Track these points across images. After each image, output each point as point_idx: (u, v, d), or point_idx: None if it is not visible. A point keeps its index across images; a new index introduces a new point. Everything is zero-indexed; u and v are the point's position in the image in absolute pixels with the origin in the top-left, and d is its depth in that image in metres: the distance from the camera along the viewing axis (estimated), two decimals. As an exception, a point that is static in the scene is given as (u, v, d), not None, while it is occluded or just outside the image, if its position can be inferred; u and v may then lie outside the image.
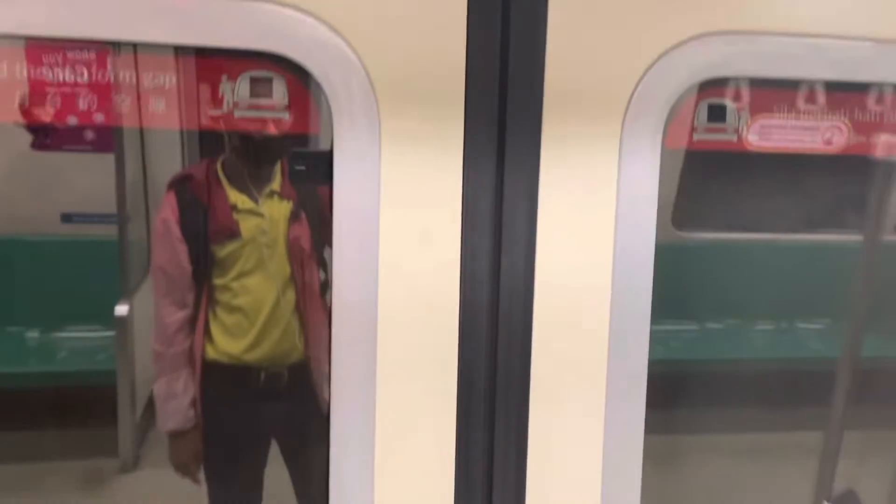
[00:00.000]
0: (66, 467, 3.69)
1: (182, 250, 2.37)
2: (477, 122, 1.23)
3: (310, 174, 2.13)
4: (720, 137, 1.47)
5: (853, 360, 2.19)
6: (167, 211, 2.38)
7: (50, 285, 3.83)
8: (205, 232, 2.39)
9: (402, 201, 1.24)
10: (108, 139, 3.72)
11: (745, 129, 1.45)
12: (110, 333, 3.67)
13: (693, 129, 1.47)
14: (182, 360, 2.40)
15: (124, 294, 3.70)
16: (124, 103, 1.46)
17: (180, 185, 2.43)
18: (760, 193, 4.13)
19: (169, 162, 4.13)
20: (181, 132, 4.11)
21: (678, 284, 4.18)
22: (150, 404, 4.01)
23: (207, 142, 4.23)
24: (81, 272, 3.85)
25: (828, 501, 2.28)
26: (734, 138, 1.45)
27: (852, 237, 2.44)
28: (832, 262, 2.95)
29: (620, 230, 1.29)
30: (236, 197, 2.41)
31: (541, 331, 1.29)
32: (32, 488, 3.55)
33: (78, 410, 3.75)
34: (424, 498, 1.29)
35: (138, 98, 1.46)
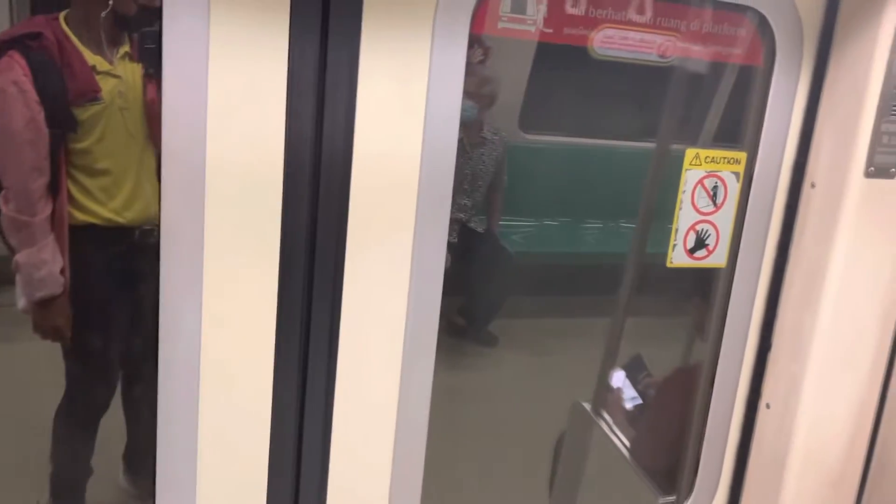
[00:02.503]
0: None
1: (39, 112, 2.24)
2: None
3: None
4: (521, 27, 1.61)
5: (638, 256, 2.53)
6: (17, 72, 2.22)
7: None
8: (63, 94, 2.28)
9: (231, 67, 1.34)
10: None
11: (541, 20, 1.60)
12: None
13: (499, 18, 1.59)
14: (48, 227, 2.33)
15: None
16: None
17: (25, 44, 2.26)
18: (600, 101, 4.39)
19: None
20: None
21: (522, 183, 4.45)
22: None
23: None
24: None
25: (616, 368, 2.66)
26: (532, 28, 1.60)
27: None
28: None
29: (430, 109, 1.47)
30: (93, 58, 2.33)
31: (357, 194, 1.45)
32: None
33: None
34: (249, 336, 1.44)
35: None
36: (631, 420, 2.60)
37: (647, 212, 2.51)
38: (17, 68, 2.22)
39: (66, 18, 2.32)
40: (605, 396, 2.69)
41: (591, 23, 1.67)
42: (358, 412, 1.53)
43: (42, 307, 2.41)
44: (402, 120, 1.44)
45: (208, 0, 1.27)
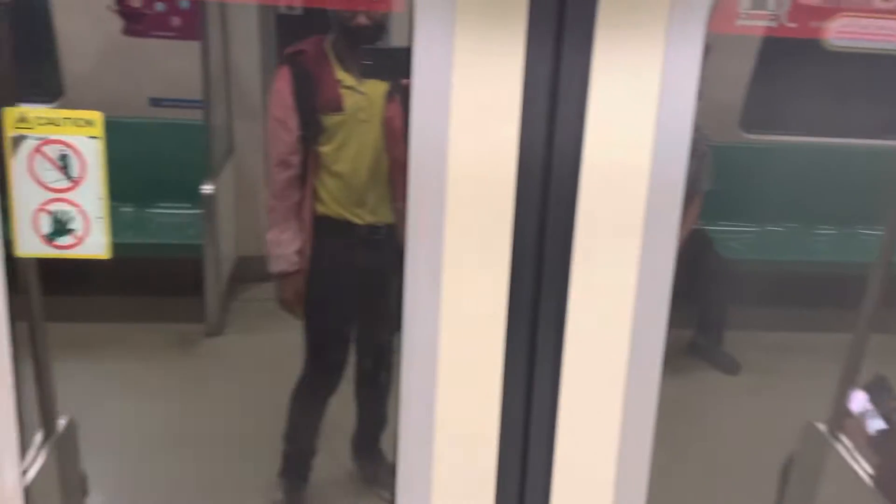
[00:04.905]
0: (159, 329, 3.92)
1: (290, 118, 2.61)
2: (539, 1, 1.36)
3: (378, 69, 2.34)
4: (761, 24, 1.53)
5: (886, 266, 2.28)
6: (281, 82, 2.64)
7: (140, 165, 4.07)
8: (312, 102, 2.61)
9: (471, 72, 1.38)
10: (194, 26, 3.91)
11: (784, 15, 1.50)
12: (197, 211, 3.94)
13: (737, 15, 1.53)
14: (289, 214, 2.69)
15: (209, 174, 3.98)
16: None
17: (294, 59, 2.66)
18: (833, 97, 4.05)
19: (246, 50, 4.32)
20: (259, 22, 4.27)
21: (743, 186, 4.20)
22: (234, 276, 4.38)
23: (283, 31, 4.39)
24: (169, 153, 4.11)
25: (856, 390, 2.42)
26: (774, 24, 1.51)
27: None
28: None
29: (662, 109, 1.42)
30: (342, 74, 2.63)
31: (586, 198, 1.44)
32: (131, 345, 3.96)
33: (168, 280, 4.11)
34: (480, 336, 1.49)
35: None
36: (877, 446, 2.35)
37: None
38: (283, 79, 2.63)
39: (331, 40, 2.66)
40: (844, 418, 2.46)
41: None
42: (583, 417, 1.53)
43: (279, 280, 2.77)
44: (633, 124, 1.42)
45: (454, 14, 1.34)
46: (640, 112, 1.42)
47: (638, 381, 1.53)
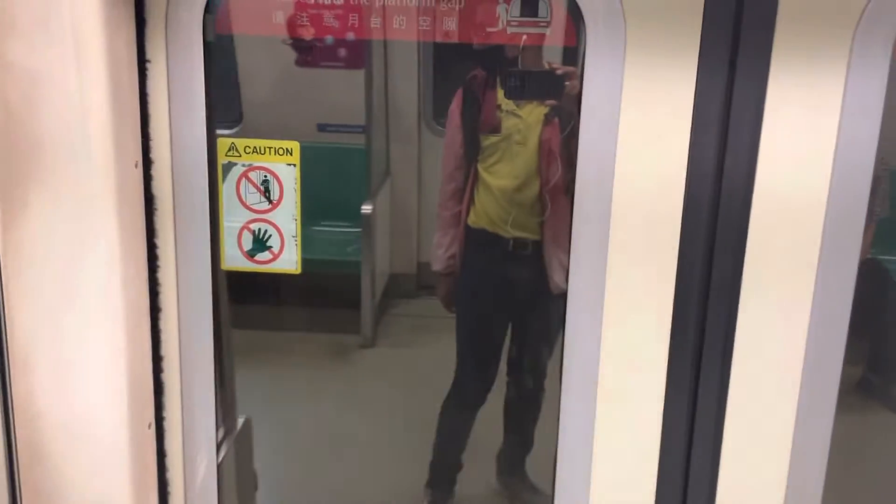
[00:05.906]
0: (315, 339, 4.16)
1: (457, 136, 2.87)
2: (712, 27, 1.34)
3: (522, 90, 2.41)
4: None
5: None
6: (455, 103, 2.89)
7: (306, 186, 4.34)
8: (474, 123, 2.83)
9: (640, 102, 1.40)
10: (359, 56, 4.16)
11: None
12: (356, 229, 4.19)
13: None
14: (451, 222, 2.97)
15: (369, 195, 4.20)
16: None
17: (467, 82, 2.86)
18: None
19: (406, 79, 4.53)
20: (417, 52, 4.46)
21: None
22: (386, 292, 4.58)
23: (440, 60, 4.55)
24: (332, 175, 4.37)
25: None
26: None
27: None
28: None
29: (842, 142, 1.37)
30: (502, 98, 2.80)
31: (756, 231, 1.42)
32: (288, 352, 4.06)
33: (326, 293, 4.36)
34: (642, 364, 1.48)
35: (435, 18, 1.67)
36: None
37: None
38: (456, 100, 2.88)
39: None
40: None
41: None
42: (747, 455, 1.49)
43: (437, 278, 3.07)
44: (809, 157, 1.38)
45: (625, 44, 1.36)
46: (817, 142, 1.38)
47: (809, 419, 1.47)
